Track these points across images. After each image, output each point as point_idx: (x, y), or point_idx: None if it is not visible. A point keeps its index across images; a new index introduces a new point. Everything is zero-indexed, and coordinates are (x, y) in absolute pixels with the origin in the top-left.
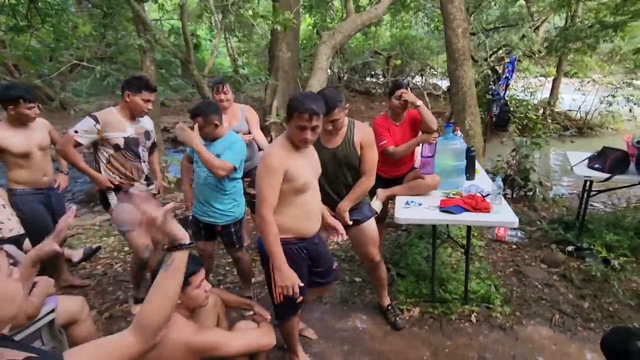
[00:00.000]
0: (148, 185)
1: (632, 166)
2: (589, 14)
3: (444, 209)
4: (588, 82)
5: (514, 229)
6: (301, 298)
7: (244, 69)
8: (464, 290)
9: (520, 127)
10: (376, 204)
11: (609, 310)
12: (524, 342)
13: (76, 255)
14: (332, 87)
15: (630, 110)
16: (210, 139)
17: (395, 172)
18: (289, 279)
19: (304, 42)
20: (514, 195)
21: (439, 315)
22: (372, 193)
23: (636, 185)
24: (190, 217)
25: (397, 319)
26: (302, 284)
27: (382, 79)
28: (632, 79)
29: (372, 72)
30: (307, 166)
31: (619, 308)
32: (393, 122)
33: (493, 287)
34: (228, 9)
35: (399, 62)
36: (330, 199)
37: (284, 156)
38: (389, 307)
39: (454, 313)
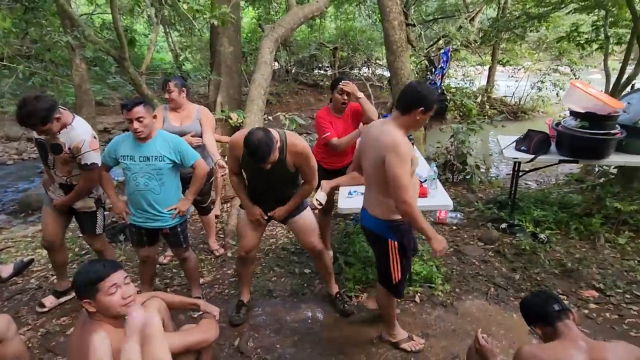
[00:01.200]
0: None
1: (553, 147)
2: (517, 5)
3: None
4: (520, 69)
5: (454, 210)
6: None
7: (184, 64)
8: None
9: (460, 114)
10: (320, 196)
11: (537, 279)
12: (463, 316)
13: (5, 270)
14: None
15: (557, 95)
16: (146, 136)
17: (338, 164)
18: (443, 242)
19: (249, 35)
20: (454, 180)
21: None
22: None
23: (557, 164)
24: (127, 226)
25: (346, 305)
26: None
27: (329, 71)
28: (558, 65)
29: (320, 65)
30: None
31: (545, 277)
32: (335, 114)
33: (435, 268)
34: (162, 2)
35: (345, 53)
36: (268, 204)
37: (410, 144)
38: (337, 295)
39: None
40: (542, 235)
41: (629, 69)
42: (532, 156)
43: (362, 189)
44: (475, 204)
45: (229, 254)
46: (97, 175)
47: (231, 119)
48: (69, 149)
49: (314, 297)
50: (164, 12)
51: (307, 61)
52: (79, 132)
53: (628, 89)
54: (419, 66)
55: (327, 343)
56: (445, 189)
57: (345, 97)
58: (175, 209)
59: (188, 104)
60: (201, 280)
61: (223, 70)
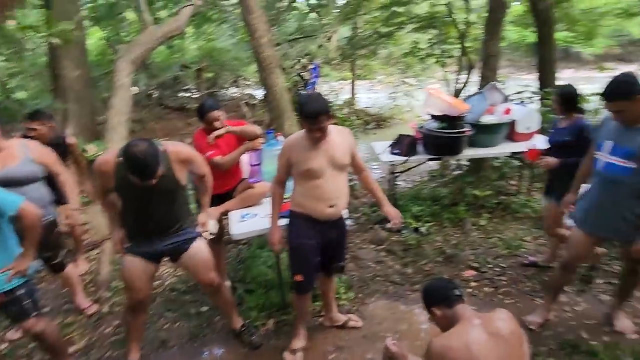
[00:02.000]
0: None
1: (420, 148)
2: (367, 25)
3: (281, 214)
4: (377, 83)
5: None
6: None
7: (13, 93)
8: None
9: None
10: (211, 225)
11: (426, 270)
12: (370, 319)
13: None
14: None
15: (408, 103)
16: None
17: (225, 187)
18: (273, 236)
19: (98, 58)
20: None
21: (294, 320)
22: None
23: (425, 162)
24: None
25: (253, 338)
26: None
27: (196, 94)
28: (406, 77)
29: (185, 87)
30: (319, 155)
31: (432, 266)
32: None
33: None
34: None
35: (210, 74)
36: (154, 233)
37: (293, 145)
38: (243, 328)
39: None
40: (423, 229)
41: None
42: (406, 158)
43: (254, 210)
44: (362, 209)
45: (106, 309)
46: None
47: (87, 152)
48: None
49: (217, 336)
50: None
51: (171, 84)
52: None
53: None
54: (290, 82)
55: None
56: None
57: (219, 125)
58: (11, 269)
59: (8, 142)
60: (72, 349)
61: (71, 97)
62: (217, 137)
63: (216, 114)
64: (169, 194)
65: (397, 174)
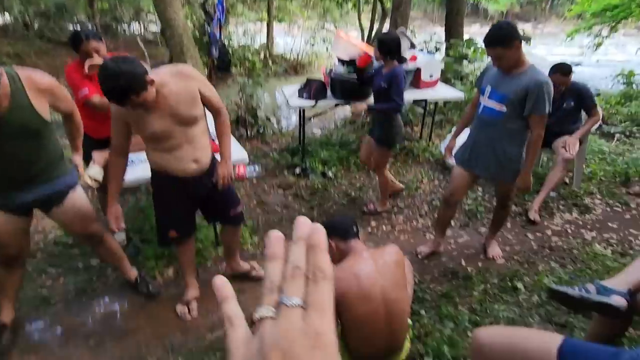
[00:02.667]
0: None
1: (329, 92)
2: None
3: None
4: (294, 26)
5: (252, 164)
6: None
7: None
8: (214, 235)
9: (245, 70)
10: (94, 171)
11: (331, 212)
12: None
13: None
14: None
15: (327, 49)
16: None
17: (108, 132)
18: (110, 214)
19: None
20: (249, 135)
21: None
22: (87, 158)
23: (335, 107)
24: None
25: (150, 287)
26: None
27: (89, 26)
28: (325, 22)
29: (76, 18)
30: (158, 117)
31: (337, 208)
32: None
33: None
34: None
35: (106, 5)
36: (14, 180)
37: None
38: (138, 279)
39: (209, 259)
40: (329, 173)
41: (376, 25)
42: (314, 102)
43: (143, 155)
44: (271, 154)
45: None
46: None
47: None
48: None
49: (109, 289)
50: None
51: (54, 13)
52: None
53: None
54: (194, 17)
55: (135, 334)
56: (241, 145)
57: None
58: None
59: None
60: None
61: None
62: (93, 67)
63: (94, 44)
64: (26, 131)
65: (308, 119)
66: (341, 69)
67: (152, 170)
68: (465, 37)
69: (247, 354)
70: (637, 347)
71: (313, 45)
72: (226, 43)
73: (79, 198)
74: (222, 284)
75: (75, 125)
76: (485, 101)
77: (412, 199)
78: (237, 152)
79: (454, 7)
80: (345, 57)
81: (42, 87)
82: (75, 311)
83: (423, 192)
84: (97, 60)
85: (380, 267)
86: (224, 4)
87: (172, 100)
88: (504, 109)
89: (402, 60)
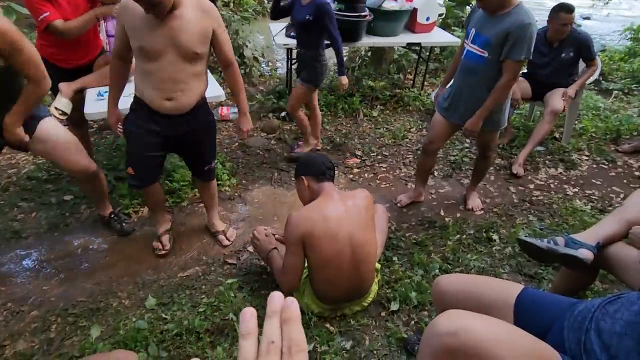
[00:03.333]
0: None
1: None
2: None
3: None
4: None
5: (236, 106)
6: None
7: None
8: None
9: (233, 2)
10: (62, 103)
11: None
12: (251, 203)
13: None
14: None
15: None
16: None
17: (79, 60)
18: (110, 118)
19: None
20: None
21: (171, 207)
22: (54, 90)
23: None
24: None
25: (124, 224)
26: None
27: None
28: None
29: None
30: (158, 33)
31: (320, 153)
32: None
33: (219, 164)
34: None
35: None
36: None
37: (129, 9)
38: (112, 215)
39: (185, 200)
40: None
41: None
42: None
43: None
44: (256, 96)
45: None
46: None
47: None
48: None
49: (82, 225)
50: None
51: None
52: None
53: None
54: None
55: (107, 269)
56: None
57: None
58: None
59: None
60: None
61: None
62: None
63: None
64: None
65: (294, 60)
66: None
67: (134, 96)
68: None
69: None
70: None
71: None
72: None
73: (55, 127)
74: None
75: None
76: (469, 45)
77: (398, 147)
78: (215, 90)
79: None
80: None
81: None
82: (46, 245)
83: (410, 141)
84: None
85: (350, 209)
86: None
87: (179, 23)
88: (485, 53)
89: None
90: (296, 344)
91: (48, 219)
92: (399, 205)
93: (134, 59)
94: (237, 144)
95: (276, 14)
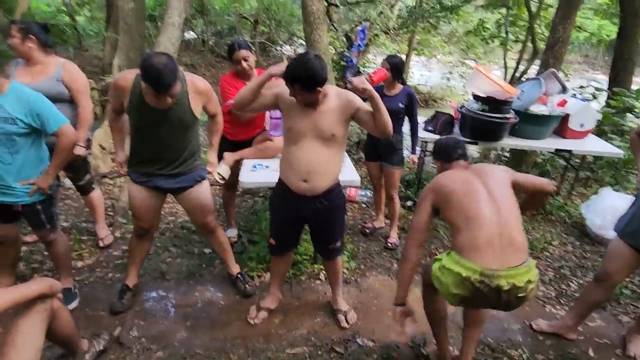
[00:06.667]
0: None
1: (456, 128)
2: None
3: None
4: (432, 59)
5: (364, 189)
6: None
7: (79, 14)
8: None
9: None
10: (223, 169)
11: (436, 254)
12: (366, 291)
13: None
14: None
15: (463, 86)
16: None
17: (243, 135)
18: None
19: None
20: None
21: (290, 278)
22: (219, 157)
23: None
24: None
25: (247, 286)
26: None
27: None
28: (465, 59)
29: (240, 37)
30: (303, 116)
31: (442, 251)
32: (242, 80)
33: (339, 261)
34: None
35: (265, 28)
36: (160, 162)
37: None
38: (239, 275)
39: (304, 274)
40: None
41: (523, 65)
42: (438, 136)
43: (268, 162)
44: None
45: (118, 234)
46: None
47: None
48: None
49: (213, 278)
50: None
51: (226, 33)
52: None
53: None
54: (335, 42)
55: (224, 327)
56: (356, 168)
57: (246, 65)
58: (33, 184)
59: (46, 58)
60: (80, 264)
61: (122, 29)
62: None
63: (244, 52)
64: (180, 124)
65: (429, 152)
66: (475, 106)
67: (279, 177)
68: (634, 87)
69: None
70: None
71: (449, 79)
72: (361, 70)
73: (203, 191)
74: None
75: (216, 125)
76: None
77: (536, 261)
78: (350, 174)
79: (625, 51)
80: (481, 94)
81: (200, 88)
82: (182, 291)
83: (550, 256)
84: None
85: (481, 177)
86: (366, 32)
87: (325, 109)
88: None
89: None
90: None
91: (188, 267)
92: (534, 329)
93: None
94: (360, 226)
95: None
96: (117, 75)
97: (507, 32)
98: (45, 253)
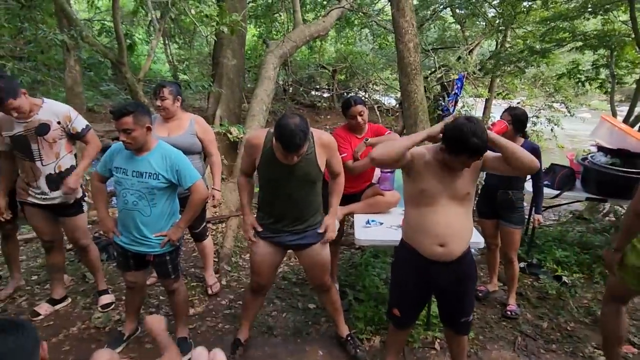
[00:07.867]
0: (52, 189)
1: (578, 183)
2: (518, 40)
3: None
4: (517, 103)
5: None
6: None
7: (185, 74)
8: (427, 315)
9: None
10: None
11: (567, 329)
12: None
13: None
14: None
15: (551, 130)
16: (137, 148)
17: (353, 188)
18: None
19: (249, 52)
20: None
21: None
22: (326, 211)
23: (583, 201)
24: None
25: (358, 350)
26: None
27: (326, 93)
28: (552, 102)
29: (317, 86)
30: (439, 177)
31: (575, 327)
32: (354, 134)
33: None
34: (168, 7)
35: (343, 76)
36: (287, 218)
37: (424, 153)
38: (349, 338)
39: (417, 341)
40: (567, 279)
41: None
42: (558, 192)
43: (380, 217)
44: None
45: (224, 282)
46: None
47: (231, 133)
48: (58, 122)
49: (320, 337)
50: (170, 20)
51: (305, 81)
52: (59, 105)
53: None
54: (429, 91)
55: None
56: None
57: (361, 120)
58: (165, 235)
59: (181, 113)
60: (192, 311)
61: (225, 83)
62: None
63: (360, 108)
64: (307, 179)
65: (543, 208)
66: (602, 159)
67: (401, 239)
68: None
69: None
70: None
71: (535, 124)
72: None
73: (322, 251)
74: None
75: (338, 186)
76: None
77: None
78: (476, 236)
79: None
80: (609, 145)
81: (325, 141)
82: (289, 350)
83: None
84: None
85: None
86: (463, 81)
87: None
88: None
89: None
90: None
91: (295, 323)
92: None
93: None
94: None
95: None
96: (250, 134)
97: (613, 75)
98: (162, 297)
